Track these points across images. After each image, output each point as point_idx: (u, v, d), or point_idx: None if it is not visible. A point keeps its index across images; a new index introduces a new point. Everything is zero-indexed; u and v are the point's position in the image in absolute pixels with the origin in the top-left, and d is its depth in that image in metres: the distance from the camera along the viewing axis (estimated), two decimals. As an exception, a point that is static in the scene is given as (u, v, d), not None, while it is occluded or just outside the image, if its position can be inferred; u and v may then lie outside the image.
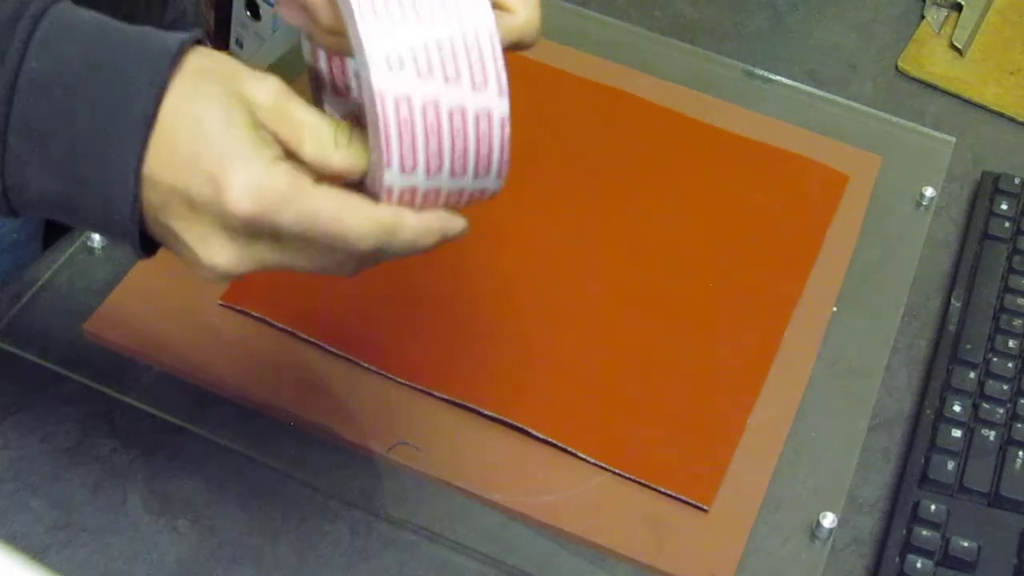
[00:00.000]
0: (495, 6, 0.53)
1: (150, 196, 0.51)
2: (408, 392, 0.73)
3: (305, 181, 0.50)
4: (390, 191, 0.51)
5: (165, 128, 0.50)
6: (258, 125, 0.51)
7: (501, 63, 0.50)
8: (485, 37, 0.50)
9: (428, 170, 0.51)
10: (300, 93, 0.53)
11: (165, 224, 0.52)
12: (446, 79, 0.49)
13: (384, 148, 0.50)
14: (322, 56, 0.60)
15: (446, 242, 0.54)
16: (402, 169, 0.50)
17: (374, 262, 0.54)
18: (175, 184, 0.50)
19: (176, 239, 0.52)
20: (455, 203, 0.53)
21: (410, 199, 0.51)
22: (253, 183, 0.49)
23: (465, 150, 0.51)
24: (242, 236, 0.51)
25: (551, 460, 0.71)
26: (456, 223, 0.54)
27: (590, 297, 0.78)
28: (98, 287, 0.76)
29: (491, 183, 0.53)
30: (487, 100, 0.50)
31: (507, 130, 0.51)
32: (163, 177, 0.50)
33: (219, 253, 0.51)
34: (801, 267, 0.81)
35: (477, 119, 0.50)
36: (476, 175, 0.52)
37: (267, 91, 0.51)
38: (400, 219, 0.52)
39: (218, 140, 0.50)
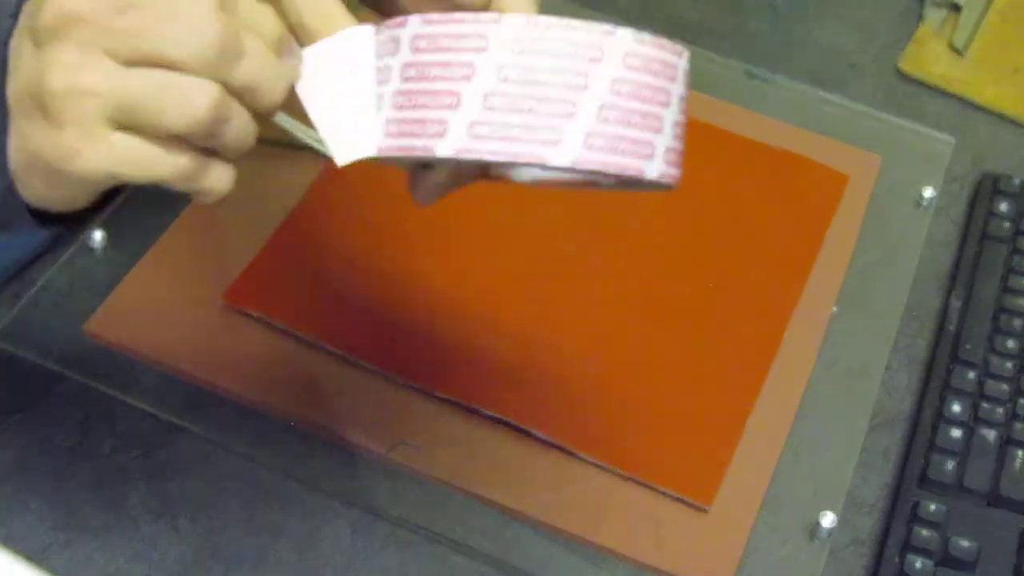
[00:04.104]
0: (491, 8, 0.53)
1: None
2: (408, 392, 0.73)
3: None
4: None
5: None
6: None
7: None
8: None
9: None
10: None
11: None
12: None
13: None
14: None
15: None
16: None
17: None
18: None
19: None
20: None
21: None
22: None
23: None
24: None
25: (551, 460, 0.71)
26: None
27: (590, 297, 0.78)
28: (98, 287, 0.76)
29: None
30: None
31: None
32: None
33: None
34: (801, 267, 0.81)
35: None
36: None
37: None
38: None
39: None
